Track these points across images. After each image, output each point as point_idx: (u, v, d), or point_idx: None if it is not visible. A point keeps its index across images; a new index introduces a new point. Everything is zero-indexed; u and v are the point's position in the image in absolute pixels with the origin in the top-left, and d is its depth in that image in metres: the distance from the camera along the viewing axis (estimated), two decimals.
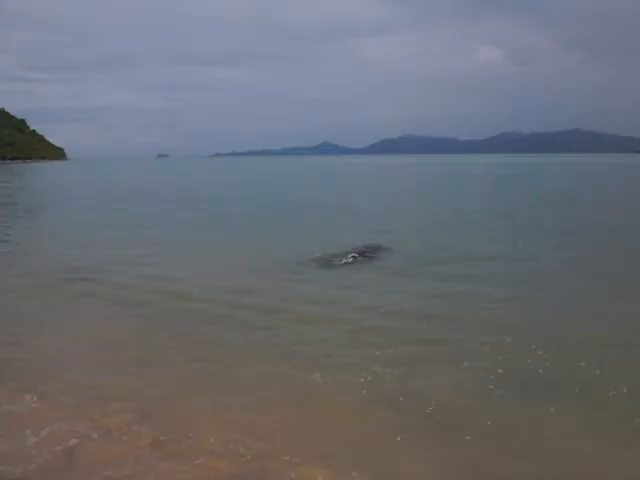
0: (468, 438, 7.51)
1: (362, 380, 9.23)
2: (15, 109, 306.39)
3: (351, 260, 19.01)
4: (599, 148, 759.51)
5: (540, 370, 9.52)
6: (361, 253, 19.64)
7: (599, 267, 17.98)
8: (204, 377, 9.73)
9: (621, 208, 37.69)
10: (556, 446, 7.26)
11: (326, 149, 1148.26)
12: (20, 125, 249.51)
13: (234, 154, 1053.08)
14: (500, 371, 9.46)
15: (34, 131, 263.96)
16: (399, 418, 8.12)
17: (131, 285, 15.96)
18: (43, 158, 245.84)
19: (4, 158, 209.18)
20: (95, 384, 9.31)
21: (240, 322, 12.64)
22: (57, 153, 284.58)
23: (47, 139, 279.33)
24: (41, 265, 19.02)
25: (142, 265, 18.62)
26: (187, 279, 16.53)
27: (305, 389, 9.14)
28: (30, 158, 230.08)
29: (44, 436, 7.51)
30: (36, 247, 23.54)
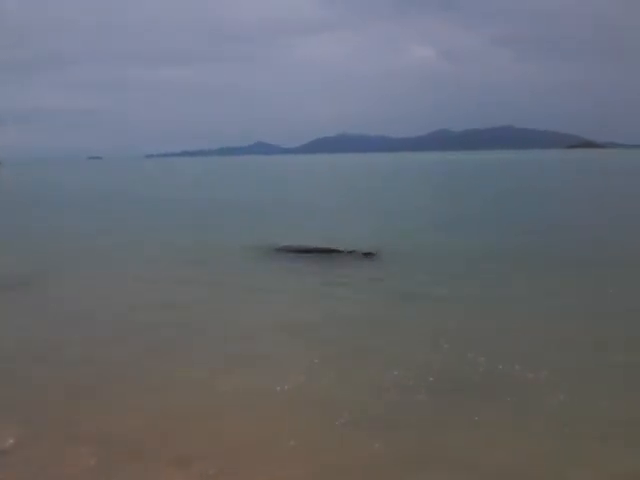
0: (377, 445, 7.52)
1: (278, 388, 9.29)
2: None
3: (293, 258, 19.71)
4: (531, 144, 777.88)
5: (475, 376, 9.64)
6: (302, 250, 20.32)
7: (537, 267, 18.43)
8: (110, 375, 10.03)
9: (554, 205, 39.20)
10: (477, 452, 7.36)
11: (261, 148, 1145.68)
12: None
13: (168, 155, 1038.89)
14: (431, 379, 9.53)
15: None
16: (303, 423, 8.20)
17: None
18: None
19: None
20: None
21: (175, 320, 13.16)
22: None
23: None
24: None
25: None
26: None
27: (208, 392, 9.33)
28: None
29: None
30: None
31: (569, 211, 35.80)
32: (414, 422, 8.16)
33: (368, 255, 19.46)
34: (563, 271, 17.81)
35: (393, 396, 8.98)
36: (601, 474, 6.92)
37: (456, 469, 6.98)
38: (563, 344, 11.29)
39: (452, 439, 7.67)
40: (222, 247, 22.28)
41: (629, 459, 7.17)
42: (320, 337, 11.84)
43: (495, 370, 9.84)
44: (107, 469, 7.03)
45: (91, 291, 16.61)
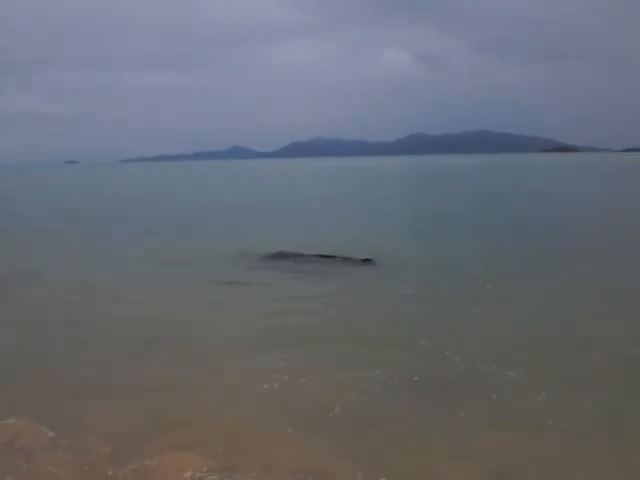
0: (370, 435, 7.98)
1: (266, 386, 9.62)
2: None
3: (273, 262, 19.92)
4: (507, 148, 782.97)
5: (454, 374, 9.98)
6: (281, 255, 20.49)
7: (509, 267, 18.95)
8: (94, 378, 10.26)
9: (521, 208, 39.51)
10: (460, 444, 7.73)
11: (237, 152, 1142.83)
12: None
13: (144, 159, 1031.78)
14: (415, 378, 9.85)
15: None
16: (297, 415, 8.62)
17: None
18: None
19: None
20: None
21: (171, 318, 13.58)
22: None
23: None
24: None
25: None
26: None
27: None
28: None
29: None
30: None
31: (547, 212, 36.50)
32: (401, 416, 8.58)
33: (365, 261, 19.24)
34: (547, 271, 18.27)
35: (380, 393, 9.37)
36: (584, 469, 7.24)
37: (442, 458, 7.38)
38: (544, 344, 11.62)
39: (438, 432, 8.08)
40: (215, 252, 22.26)
41: (612, 454, 7.53)
42: (310, 338, 12.11)
43: (479, 369, 10.16)
44: (120, 457, 7.50)
45: (87, 288, 17.03)
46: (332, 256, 19.87)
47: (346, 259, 19.54)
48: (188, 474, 7.01)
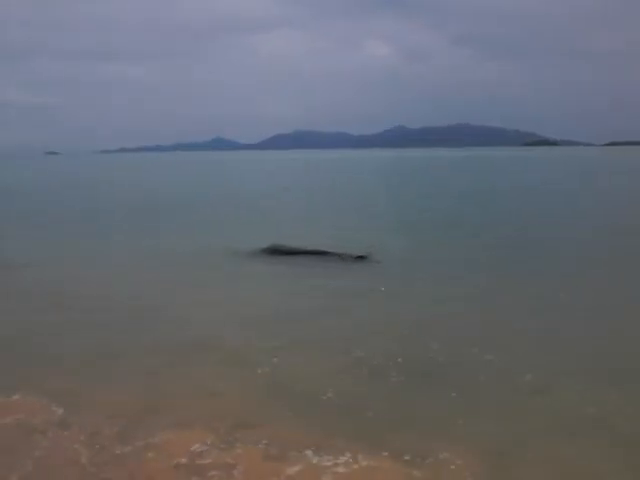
0: (367, 414, 8.48)
1: (260, 370, 10.14)
2: None
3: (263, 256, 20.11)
4: (488, 141, 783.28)
5: (437, 359, 10.51)
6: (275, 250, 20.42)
7: (497, 260, 19.59)
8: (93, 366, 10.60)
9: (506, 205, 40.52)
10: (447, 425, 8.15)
11: (219, 144, 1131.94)
12: None
13: (124, 150, 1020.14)
14: (399, 360, 10.40)
15: None
16: (292, 398, 9.07)
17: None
18: None
19: None
20: None
21: (166, 312, 13.99)
22: None
23: None
24: None
25: None
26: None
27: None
28: None
29: None
30: None
31: (533, 207, 37.26)
32: (396, 397, 9.11)
33: (360, 258, 19.05)
34: (536, 266, 18.78)
35: (372, 377, 9.90)
36: (571, 447, 7.62)
37: (439, 436, 7.82)
38: (528, 336, 12.08)
39: (433, 411, 8.62)
40: (204, 247, 22.36)
41: (593, 431, 8.03)
42: (304, 328, 12.52)
43: (465, 355, 10.73)
44: (126, 434, 7.95)
45: (85, 278, 17.72)
46: (325, 252, 19.79)
47: (339, 255, 19.44)
48: (195, 447, 7.48)
